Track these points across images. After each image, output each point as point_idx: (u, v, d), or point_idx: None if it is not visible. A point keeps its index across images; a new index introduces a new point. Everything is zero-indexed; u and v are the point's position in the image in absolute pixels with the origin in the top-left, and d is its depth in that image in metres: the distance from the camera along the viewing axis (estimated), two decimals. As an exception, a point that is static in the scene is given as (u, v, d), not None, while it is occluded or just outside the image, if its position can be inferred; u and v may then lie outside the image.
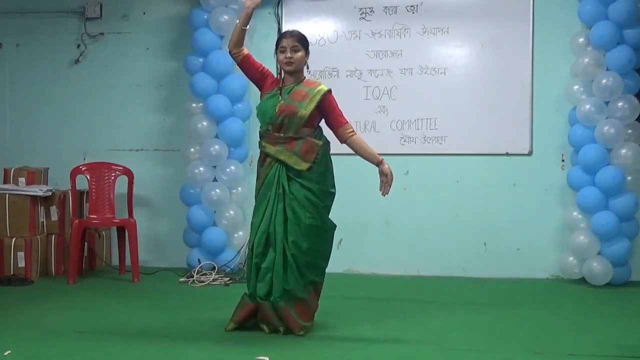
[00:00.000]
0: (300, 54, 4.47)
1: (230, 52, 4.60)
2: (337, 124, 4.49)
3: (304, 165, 4.39)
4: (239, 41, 4.54)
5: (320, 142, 4.46)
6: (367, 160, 4.51)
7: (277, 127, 4.44)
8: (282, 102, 4.43)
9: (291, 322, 4.37)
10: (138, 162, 6.82)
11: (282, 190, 4.39)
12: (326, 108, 4.48)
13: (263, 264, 4.39)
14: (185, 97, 6.57)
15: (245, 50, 4.58)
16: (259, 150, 4.57)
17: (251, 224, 4.53)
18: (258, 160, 4.58)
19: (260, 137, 4.54)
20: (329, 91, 4.49)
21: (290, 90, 4.47)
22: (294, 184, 4.40)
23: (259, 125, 4.57)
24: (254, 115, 6.51)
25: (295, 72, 4.50)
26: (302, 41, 4.49)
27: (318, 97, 4.44)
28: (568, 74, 6.19)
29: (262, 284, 4.40)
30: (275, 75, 4.68)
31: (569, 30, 6.20)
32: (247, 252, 4.50)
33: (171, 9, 6.89)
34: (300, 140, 4.41)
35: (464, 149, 6.47)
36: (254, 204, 4.55)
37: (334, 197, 4.53)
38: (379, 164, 4.46)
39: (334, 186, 4.54)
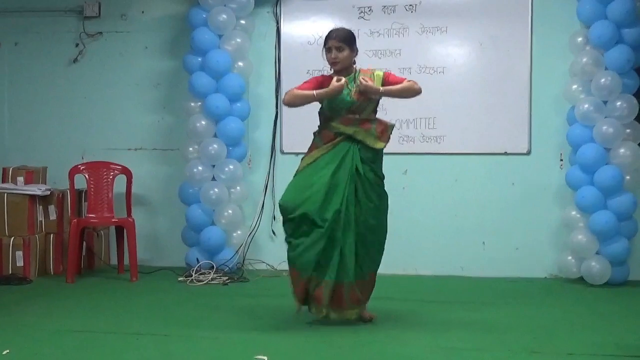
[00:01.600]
0: (345, 52, 4.58)
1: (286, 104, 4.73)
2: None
3: (380, 145, 4.61)
4: (300, 104, 4.66)
5: (392, 124, 4.68)
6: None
7: (352, 111, 4.58)
8: (355, 88, 4.57)
9: (355, 298, 4.55)
10: (137, 161, 6.82)
11: (356, 171, 4.52)
12: (392, 82, 4.63)
13: (335, 242, 4.48)
14: (183, 96, 6.57)
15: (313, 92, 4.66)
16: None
17: (297, 185, 4.57)
18: (318, 138, 4.66)
19: (329, 119, 4.62)
20: (387, 71, 4.76)
21: (354, 80, 4.60)
22: (366, 167, 4.56)
23: (325, 108, 4.63)
24: (253, 115, 6.61)
25: (344, 69, 4.62)
26: (346, 40, 4.60)
27: (380, 82, 4.61)
28: (567, 73, 6.19)
29: (333, 263, 4.47)
30: (325, 74, 4.82)
31: (568, 29, 6.20)
32: (301, 223, 4.49)
33: (170, 8, 6.88)
34: (374, 121, 4.61)
35: (462, 148, 6.48)
36: (301, 168, 4.64)
37: None
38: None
39: None
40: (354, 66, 4.68)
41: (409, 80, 4.64)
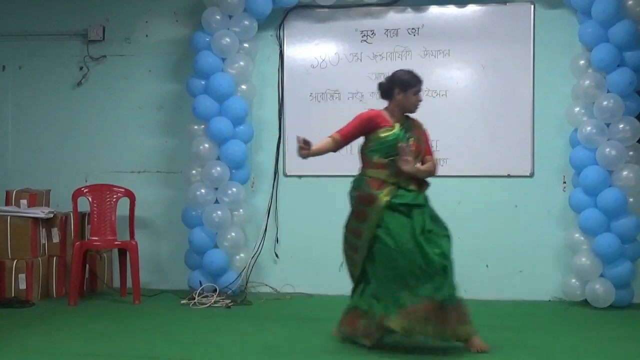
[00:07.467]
0: None
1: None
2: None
3: (424, 189, 4.76)
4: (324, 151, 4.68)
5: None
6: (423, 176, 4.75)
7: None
8: (412, 140, 4.65)
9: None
10: (140, 184, 6.83)
11: (423, 202, 4.72)
12: (426, 144, 4.82)
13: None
14: (187, 119, 6.58)
15: (335, 137, 4.67)
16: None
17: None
18: (364, 185, 4.63)
19: (379, 166, 4.63)
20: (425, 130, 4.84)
21: (410, 128, 4.70)
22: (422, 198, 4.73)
23: (372, 154, 4.65)
24: (256, 137, 6.62)
25: None
26: None
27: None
28: (569, 96, 6.21)
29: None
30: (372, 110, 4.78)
31: (570, 52, 6.22)
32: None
33: (173, 32, 6.92)
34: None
35: (465, 170, 6.48)
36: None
37: None
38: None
39: None
40: None
41: (434, 159, 4.78)
